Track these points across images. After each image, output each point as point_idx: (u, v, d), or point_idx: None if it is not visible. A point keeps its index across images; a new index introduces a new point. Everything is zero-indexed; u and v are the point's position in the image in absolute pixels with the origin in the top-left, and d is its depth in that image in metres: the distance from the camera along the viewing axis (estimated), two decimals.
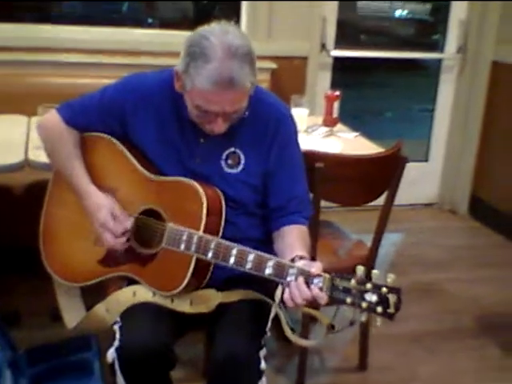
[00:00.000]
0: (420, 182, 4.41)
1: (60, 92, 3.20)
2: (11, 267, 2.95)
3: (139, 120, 1.87)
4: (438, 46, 4.52)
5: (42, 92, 3.26)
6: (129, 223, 1.84)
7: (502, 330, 3.09)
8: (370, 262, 2.45)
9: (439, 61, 4.49)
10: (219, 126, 1.72)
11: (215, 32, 1.64)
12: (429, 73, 6.69)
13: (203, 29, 1.67)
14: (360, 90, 3.57)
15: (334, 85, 4.15)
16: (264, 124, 1.84)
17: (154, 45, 3.77)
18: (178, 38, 3.69)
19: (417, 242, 4.04)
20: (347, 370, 2.70)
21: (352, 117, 3.08)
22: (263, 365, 1.76)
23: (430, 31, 5.63)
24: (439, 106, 4.54)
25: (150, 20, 4.68)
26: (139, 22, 4.54)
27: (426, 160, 4.60)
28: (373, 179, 2.34)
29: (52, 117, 1.95)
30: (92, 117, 1.91)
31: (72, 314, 2.03)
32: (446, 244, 4.07)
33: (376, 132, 3.13)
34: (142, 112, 1.86)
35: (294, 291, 1.59)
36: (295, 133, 1.93)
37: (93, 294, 2.03)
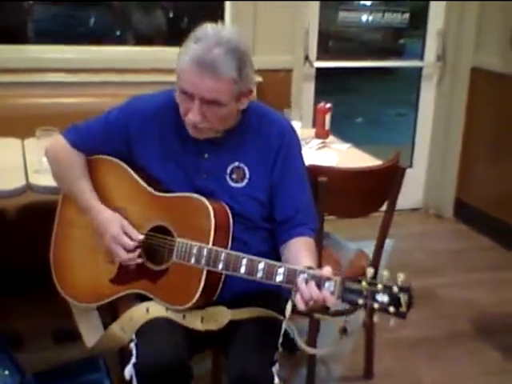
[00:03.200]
0: (405, 188, 4.43)
1: (47, 113, 3.24)
2: (11, 289, 2.92)
3: (144, 141, 1.89)
4: (403, 51, 4.61)
5: (29, 114, 3.26)
6: (140, 237, 1.86)
7: (498, 333, 3.14)
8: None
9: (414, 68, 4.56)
10: (194, 114, 1.73)
11: (215, 25, 1.74)
12: (398, 77, 6.79)
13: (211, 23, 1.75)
14: (332, 96, 3.61)
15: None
16: (268, 138, 1.87)
17: (136, 62, 3.79)
18: (160, 55, 3.76)
19: (405, 248, 4.06)
20: (354, 379, 2.73)
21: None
22: (276, 380, 1.77)
23: (398, 37, 5.71)
24: (421, 112, 4.61)
25: (118, 33, 4.67)
26: (107, 36, 4.52)
27: (410, 166, 4.66)
28: (374, 190, 2.38)
29: (59, 141, 1.98)
30: (98, 140, 1.94)
31: (91, 334, 2.02)
32: (434, 248, 4.12)
33: (350, 137, 3.17)
34: (146, 133, 1.89)
35: (305, 293, 1.59)
36: (299, 146, 1.96)
37: (107, 312, 2.03)
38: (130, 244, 1.84)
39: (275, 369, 1.79)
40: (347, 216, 2.64)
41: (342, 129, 3.64)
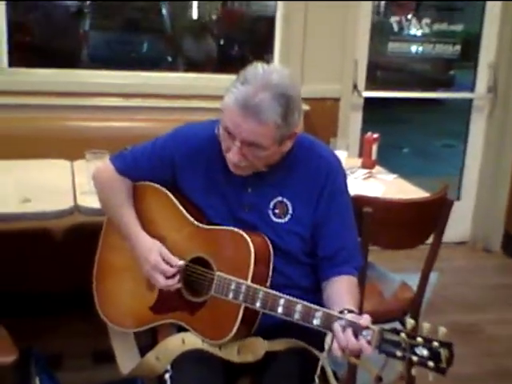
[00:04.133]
0: (452, 221, 4.37)
1: (98, 135, 3.32)
2: (53, 310, 2.95)
3: (189, 171, 1.90)
4: (453, 82, 4.57)
5: (80, 136, 3.35)
6: (180, 262, 1.86)
7: None
8: (416, 305, 2.43)
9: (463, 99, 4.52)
10: (234, 154, 1.71)
11: (267, 67, 1.70)
12: (447, 109, 6.73)
13: (262, 62, 1.72)
14: (379, 126, 3.59)
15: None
16: (313, 173, 1.84)
17: (187, 88, 3.83)
18: (210, 82, 3.81)
19: (451, 282, 3.99)
20: None
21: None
22: None
23: (448, 68, 5.67)
24: (470, 144, 4.55)
25: (169, 59, 4.75)
26: (159, 62, 4.60)
27: (458, 198, 4.59)
28: (420, 223, 2.35)
29: (106, 167, 2.00)
30: (143, 167, 1.95)
31: (126, 360, 2.03)
32: (482, 283, 4.03)
33: (396, 168, 3.14)
34: (191, 163, 1.89)
35: (342, 342, 1.57)
36: (345, 181, 1.92)
37: (144, 338, 2.04)
38: (170, 270, 1.85)
39: None
40: (392, 248, 2.61)
41: (389, 159, 3.62)
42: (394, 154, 6.73)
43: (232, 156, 1.72)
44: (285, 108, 1.66)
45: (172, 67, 4.63)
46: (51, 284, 2.82)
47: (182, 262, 1.86)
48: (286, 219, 1.85)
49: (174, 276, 1.85)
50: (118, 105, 3.64)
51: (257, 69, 1.68)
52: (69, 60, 4.14)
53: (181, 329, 1.89)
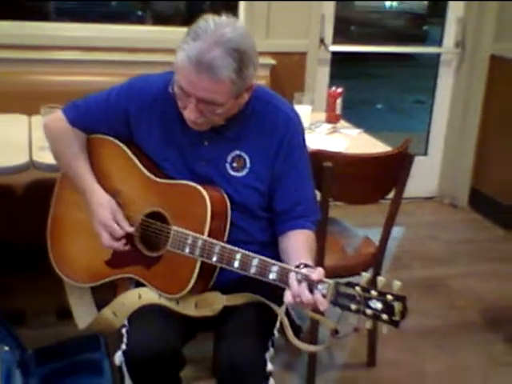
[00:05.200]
0: (420, 176, 4.40)
1: (58, 90, 3.24)
2: (15, 266, 2.93)
3: (144, 123, 1.86)
4: (426, 38, 4.53)
5: (40, 90, 3.27)
6: (129, 229, 1.84)
7: (506, 325, 3.09)
8: (378, 259, 2.44)
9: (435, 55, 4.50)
10: (190, 112, 1.68)
11: (218, 20, 1.64)
12: (419, 64, 6.71)
13: (213, 15, 1.65)
14: (353, 81, 3.56)
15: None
16: (271, 127, 1.81)
17: (151, 42, 3.75)
18: (175, 35, 3.73)
19: (418, 237, 4.04)
20: (356, 366, 2.71)
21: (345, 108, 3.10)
22: (270, 367, 1.74)
23: (421, 23, 5.63)
24: (438, 99, 4.53)
25: (139, 13, 4.66)
26: (128, 16, 4.51)
27: (426, 154, 4.59)
28: (381, 177, 2.34)
29: (57, 117, 1.94)
30: (97, 119, 1.90)
31: (83, 315, 2.02)
32: (447, 238, 4.07)
33: (369, 123, 3.13)
34: (146, 115, 1.85)
35: (297, 296, 1.57)
36: (302, 136, 1.90)
37: (105, 293, 2.02)
38: (118, 232, 1.82)
39: (269, 354, 1.77)
40: (353, 202, 2.61)
41: (363, 115, 3.60)
42: (368, 110, 6.72)
43: (189, 114, 1.69)
44: (239, 63, 1.61)
45: (141, 21, 4.54)
46: (12, 240, 2.78)
47: (132, 228, 1.84)
48: (244, 173, 1.83)
49: (121, 239, 1.83)
50: (79, 58, 3.55)
51: (208, 23, 1.62)
52: (34, 12, 4.03)
53: (138, 284, 1.87)
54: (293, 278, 1.58)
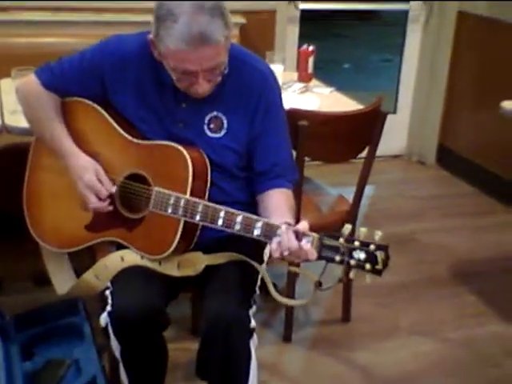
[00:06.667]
0: (388, 134, 4.41)
1: (25, 52, 3.17)
2: None
3: (119, 84, 1.83)
4: None
5: (6, 53, 3.18)
6: (113, 188, 1.84)
7: (475, 277, 3.18)
8: (352, 217, 2.48)
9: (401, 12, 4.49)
10: (202, 86, 1.69)
11: None
12: (386, 22, 6.70)
13: None
14: (319, 41, 3.55)
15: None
16: (248, 87, 1.81)
17: (119, 1, 3.68)
18: None
19: (387, 194, 4.09)
20: (332, 322, 2.77)
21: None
22: (253, 323, 1.78)
23: None
24: (405, 57, 4.55)
25: None
26: None
27: (394, 112, 4.63)
28: (355, 135, 2.36)
29: (31, 80, 1.91)
30: (71, 80, 1.87)
31: (62, 280, 2.02)
32: (417, 195, 4.14)
33: (336, 83, 3.13)
34: (121, 76, 1.82)
35: (283, 242, 1.59)
36: (279, 96, 1.90)
37: (82, 258, 2.02)
38: (103, 192, 1.82)
39: (252, 311, 1.80)
40: (328, 161, 2.64)
41: (329, 74, 3.60)
42: (335, 69, 6.71)
43: (200, 88, 1.69)
44: (223, 17, 1.61)
45: None
46: None
47: (114, 188, 1.84)
48: (222, 134, 1.83)
49: (105, 199, 1.83)
50: (46, 19, 3.48)
51: None
52: None
53: (120, 247, 1.87)
54: (282, 229, 1.60)
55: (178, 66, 1.64)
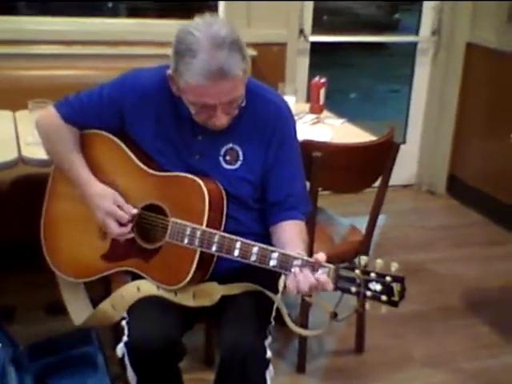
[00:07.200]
0: (398, 164, 4.43)
1: (41, 84, 3.22)
2: (4, 262, 2.92)
3: (138, 118, 1.87)
4: (397, 26, 4.56)
5: (22, 86, 3.24)
6: (133, 210, 1.85)
7: (487, 307, 3.17)
8: (365, 247, 2.49)
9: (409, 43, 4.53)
10: (220, 119, 1.72)
11: (199, 26, 1.64)
12: (393, 53, 6.76)
13: (187, 24, 1.66)
14: (326, 70, 3.59)
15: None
16: (263, 120, 1.84)
17: (131, 34, 3.73)
18: (154, 28, 3.73)
19: (397, 224, 4.09)
20: (345, 353, 2.76)
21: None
22: (269, 354, 1.78)
23: (394, 11, 5.63)
24: (415, 87, 4.59)
25: (110, 4, 4.61)
26: (99, 7, 4.46)
27: (404, 142, 4.65)
28: (368, 166, 2.38)
29: (50, 114, 1.94)
30: (90, 114, 1.91)
31: (78, 310, 2.03)
32: (427, 224, 4.14)
33: (344, 112, 3.16)
34: (140, 110, 1.86)
35: (299, 277, 1.60)
36: (294, 128, 1.93)
37: (97, 288, 2.04)
38: (125, 217, 1.84)
39: (267, 342, 1.80)
40: (341, 191, 2.66)
41: (336, 104, 3.63)
42: (342, 99, 6.75)
43: (218, 121, 1.72)
44: (241, 51, 1.65)
45: (113, 13, 4.50)
46: (1, 236, 2.77)
47: (135, 210, 1.85)
48: (237, 166, 1.85)
49: (127, 224, 1.85)
50: (60, 52, 3.52)
51: (193, 35, 1.62)
52: (4, 7, 3.96)
53: (135, 277, 1.89)
54: (296, 267, 1.61)
55: (197, 100, 1.67)
